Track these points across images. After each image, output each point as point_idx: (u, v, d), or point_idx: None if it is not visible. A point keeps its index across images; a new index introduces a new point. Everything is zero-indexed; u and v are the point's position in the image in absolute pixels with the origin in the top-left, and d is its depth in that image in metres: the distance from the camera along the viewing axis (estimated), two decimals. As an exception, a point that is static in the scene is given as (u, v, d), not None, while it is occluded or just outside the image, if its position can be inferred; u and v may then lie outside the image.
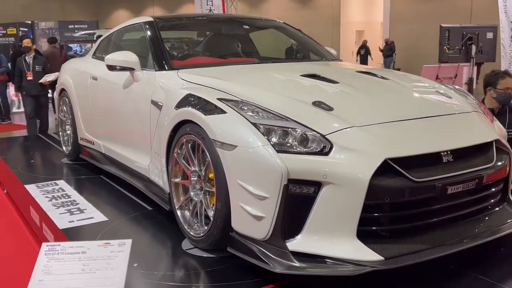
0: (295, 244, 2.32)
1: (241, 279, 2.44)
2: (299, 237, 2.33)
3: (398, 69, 13.80)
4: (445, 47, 7.07)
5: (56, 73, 7.56)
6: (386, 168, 2.30)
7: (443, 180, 2.39)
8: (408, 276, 2.46)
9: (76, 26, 19.72)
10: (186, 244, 2.87)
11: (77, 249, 1.68)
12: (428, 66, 8.37)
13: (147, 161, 3.43)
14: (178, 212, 2.99)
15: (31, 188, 4.09)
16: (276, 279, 2.37)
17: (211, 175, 2.70)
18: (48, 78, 7.48)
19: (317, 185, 2.30)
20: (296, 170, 2.29)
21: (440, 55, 7.20)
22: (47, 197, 3.86)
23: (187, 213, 2.97)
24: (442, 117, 2.79)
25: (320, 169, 2.29)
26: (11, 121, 10.88)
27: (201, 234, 2.74)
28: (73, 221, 3.31)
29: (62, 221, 3.31)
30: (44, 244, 1.69)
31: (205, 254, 2.73)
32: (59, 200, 3.77)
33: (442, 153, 2.46)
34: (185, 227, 2.90)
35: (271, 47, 5.26)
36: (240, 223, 2.47)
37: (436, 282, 2.46)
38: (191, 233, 2.83)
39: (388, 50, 18.63)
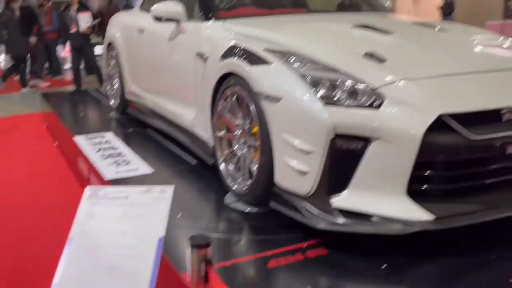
0: (339, 200, 2.26)
1: (283, 233, 2.42)
2: (344, 193, 2.26)
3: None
4: (510, 1, 6.61)
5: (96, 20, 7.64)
6: (440, 125, 2.17)
7: (502, 139, 2.24)
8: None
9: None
10: (229, 198, 2.87)
11: (119, 194, 1.69)
12: (492, 23, 7.88)
13: (192, 115, 3.42)
14: (222, 166, 2.98)
15: (80, 140, 4.19)
16: (318, 236, 2.33)
17: (255, 129, 2.65)
18: (86, 25, 7.59)
19: (366, 141, 2.20)
20: (344, 124, 2.20)
21: (505, 11, 6.75)
22: (94, 148, 3.94)
23: (230, 167, 2.95)
24: (505, 72, 2.59)
25: (369, 124, 2.18)
26: (63, 77, 11.15)
27: (244, 188, 2.72)
28: (119, 172, 3.37)
29: (109, 172, 3.39)
30: (87, 188, 1.70)
31: (247, 209, 2.73)
32: (106, 152, 3.85)
33: (502, 110, 2.29)
34: (228, 181, 2.89)
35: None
36: (283, 178, 2.42)
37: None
38: (234, 187, 2.82)
39: (447, 8, 17.64)
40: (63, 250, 1.55)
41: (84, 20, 7.66)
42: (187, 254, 1.28)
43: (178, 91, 3.72)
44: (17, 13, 8.85)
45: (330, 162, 2.22)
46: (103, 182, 3.33)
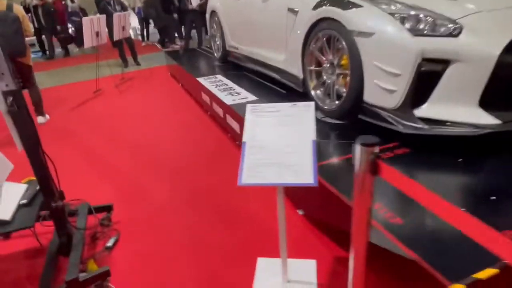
0: (420, 111, 1.91)
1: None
2: (424, 106, 1.90)
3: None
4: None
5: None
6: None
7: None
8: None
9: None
10: (318, 115, 2.57)
11: (272, 109, 1.43)
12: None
13: (282, 57, 3.05)
14: (312, 92, 2.65)
15: (201, 80, 3.94)
16: (399, 140, 2.01)
17: (344, 61, 2.27)
18: (196, 2, 7.08)
19: (446, 63, 1.80)
20: (429, 50, 1.80)
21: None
22: (212, 85, 3.69)
23: (319, 92, 2.63)
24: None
25: (450, 49, 1.77)
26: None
27: (334, 107, 2.41)
28: (235, 100, 3.12)
29: (228, 99, 3.14)
30: (248, 106, 1.45)
31: (333, 121, 2.43)
32: (221, 87, 3.59)
33: None
34: (319, 102, 2.57)
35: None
36: (372, 96, 2.08)
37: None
38: (324, 107, 2.51)
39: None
40: (241, 152, 1.33)
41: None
42: (357, 152, 1.00)
43: (270, 40, 3.32)
44: None
45: (415, 82, 1.85)
46: (225, 106, 3.11)
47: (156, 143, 3.34)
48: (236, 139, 3.09)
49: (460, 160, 1.83)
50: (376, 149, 1.01)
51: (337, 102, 2.40)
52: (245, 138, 1.36)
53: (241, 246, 1.92)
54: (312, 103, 1.41)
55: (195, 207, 2.30)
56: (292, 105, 1.42)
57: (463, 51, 1.76)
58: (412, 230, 1.32)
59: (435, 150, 1.93)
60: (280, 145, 1.31)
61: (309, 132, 1.31)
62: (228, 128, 3.23)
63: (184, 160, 2.93)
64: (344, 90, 2.30)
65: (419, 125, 1.89)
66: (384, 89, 1.97)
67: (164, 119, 3.96)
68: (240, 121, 2.81)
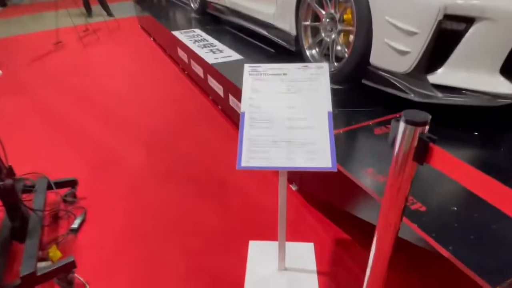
0: (435, 77, 1.68)
1: (373, 106, 1.90)
2: (440, 70, 1.67)
3: None
4: None
5: None
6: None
7: None
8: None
9: None
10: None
11: (277, 70, 1.14)
12: None
13: (272, 9, 2.68)
14: (307, 52, 2.35)
15: (177, 34, 3.50)
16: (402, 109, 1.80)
17: (347, 16, 1.98)
18: None
19: (470, 21, 1.55)
20: (454, 6, 1.53)
21: None
22: (190, 40, 3.28)
23: (314, 52, 2.33)
24: None
25: (476, 5, 1.51)
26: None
27: (332, 69, 2.13)
28: (217, 58, 2.76)
29: (209, 58, 2.78)
30: (246, 65, 1.15)
31: (334, 86, 2.17)
32: (200, 43, 3.19)
33: None
34: (314, 63, 2.29)
35: None
36: (380, 58, 1.82)
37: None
38: (321, 68, 2.23)
39: None
40: (240, 125, 1.05)
41: None
42: (400, 129, 0.75)
43: (258, -10, 2.92)
44: None
45: (432, 42, 1.61)
46: (206, 65, 2.75)
47: (127, 106, 2.97)
48: (218, 103, 2.78)
49: (475, 134, 1.65)
50: (426, 128, 0.77)
51: (336, 64, 2.12)
52: (243, 107, 1.08)
53: (229, 226, 1.70)
54: (325, 65, 1.14)
55: (175, 180, 2.04)
56: (302, 67, 1.14)
57: (491, 8, 1.51)
58: (438, 219, 1.13)
59: (448, 122, 1.73)
60: (289, 117, 1.04)
61: (324, 101, 1.04)
62: (209, 91, 2.89)
63: (161, 127, 2.61)
64: (346, 50, 2.03)
65: (433, 93, 1.68)
66: (395, 50, 1.72)
67: (136, 78, 3.55)
68: (225, 83, 2.49)
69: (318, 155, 0.97)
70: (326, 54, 2.25)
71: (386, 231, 0.92)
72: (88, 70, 3.83)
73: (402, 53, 1.69)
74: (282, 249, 1.41)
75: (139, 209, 1.83)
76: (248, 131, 1.01)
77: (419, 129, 0.77)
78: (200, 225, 1.72)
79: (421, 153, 0.77)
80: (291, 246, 1.55)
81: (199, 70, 2.97)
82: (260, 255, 1.53)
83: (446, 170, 0.72)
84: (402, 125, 0.78)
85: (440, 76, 1.68)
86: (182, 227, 1.71)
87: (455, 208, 1.19)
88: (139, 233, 1.68)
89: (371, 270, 1.02)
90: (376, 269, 1.01)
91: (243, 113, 1.06)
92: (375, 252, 0.99)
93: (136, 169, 2.14)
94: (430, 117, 0.77)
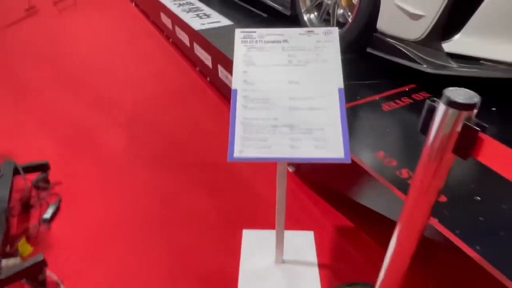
0: (451, 45, 1.49)
1: (380, 79, 1.71)
2: (456, 37, 1.48)
3: None
4: None
5: None
6: None
7: None
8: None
9: None
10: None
11: (276, 37, 0.95)
12: None
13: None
14: (304, 17, 2.12)
15: (159, -3, 3.18)
16: (415, 81, 1.62)
17: (351, -26, 1.74)
18: None
19: (495, -21, 1.34)
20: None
21: None
22: (174, 4, 2.97)
23: (312, 17, 2.10)
24: None
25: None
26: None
27: (333, 36, 1.92)
28: (203, 24, 2.50)
29: (195, 23, 2.51)
30: (237, 30, 0.94)
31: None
32: (185, 6, 2.89)
33: None
34: (312, 30, 2.06)
35: None
36: (389, 24, 1.61)
37: None
38: (320, 36, 2.01)
39: None
40: (231, 106, 0.85)
41: None
42: (439, 113, 0.57)
43: None
44: None
45: (450, 4, 1.40)
46: (191, 32, 2.49)
47: (107, 78, 2.71)
48: (206, 75, 2.55)
49: (493, 109, 1.49)
50: (474, 113, 0.60)
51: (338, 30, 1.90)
52: (235, 83, 0.87)
53: (220, 214, 1.55)
54: (335, 29, 0.94)
55: (159, 164, 1.85)
56: (307, 32, 0.93)
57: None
58: (461, 212, 0.99)
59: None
60: (291, 96, 0.85)
61: (335, 75, 0.85)
62: (196, 61, 2.65)
63: (143, 102, 2.39)
64: (349, 14, 1.80)
65: (448, 63, 1.49)
66: (407, 13, 1.50)
67: (116, 48, 3.25)
68: (213, 52, 2.25)
69: (328, 142, 0.79)
70: (326, 19, 2.02)
71: (410, 231, 0.77)
72: (63, 39, 3.50)
73: (415, 16, 1.49)
74: (280, 239, 1.26)
75: (120, 197, 1.65)
76: (242, 113, 0.82)
77: (464, 114, 0.59)
78: (188, 213, 1.56)
79: (466, 145, 0.59)
80: (289, 235, 1.41)
81: (184, 38, 2.70)
82: (255, 246, 1.39)
83: (501, 169, 0.56)
84: (441, 107, 0.60)
85: (456, 44, 1.48)
86: (168, 216, 1.54)
87: (479, 198, 1.04)
88: (119, 223, 1.52)
89: (388, 269, 0.88)
90: (394, 269, 0.86)
91: (235, 91, 0.86)
92: (395, 250, 0.84)
93: (116, 152, 1.95)
94: (479, 98, 0.59)
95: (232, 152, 0.79)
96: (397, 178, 1.09)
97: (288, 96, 0.84)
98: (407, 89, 1.61)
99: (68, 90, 2.55)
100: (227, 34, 2.31)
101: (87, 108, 2.34)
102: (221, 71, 2.20)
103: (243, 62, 0.88)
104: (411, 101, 1.52)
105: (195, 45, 2.53)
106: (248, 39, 0.92)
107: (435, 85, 1.61)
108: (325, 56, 0.88)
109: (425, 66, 1.52)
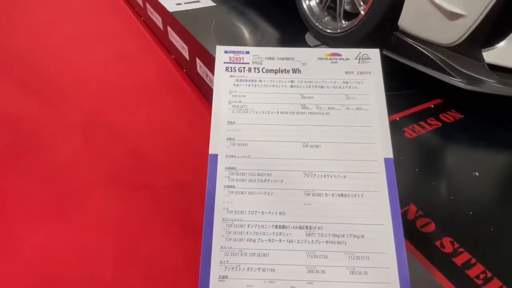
0: (492, 54, 1.19)
1: (392, 87, 1.40)
2: (501, 45, 1.18)
3: None
4: None
5: None
6: None
7: None
8: None
9: None
10: (312, 40, 1.74)
11: (282, 63, 0.60)
12: None
13: None
14: (303, 4, 1.76)
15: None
16: (440, 93, 1.32)
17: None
18: None
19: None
20: None
21: None
22: (146, -24, 2.52)
23: (313, 4, 1.74)
24: None
25: None
26: None
27: (339, 31, 1.58)
28: (180, 4, 2.09)
29: (169, 3, 2.10)
30: (219, 49, 0.59)
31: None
32: (159, -20, 2.45)
33: None
34: (313, 20, 1.71)
35: None
36: (416, 21, 1.29)
37: None
38: (322, 28, 1.67)
39: None
40: (207, 182, 0.50)
41: None
42: None
43: None
44: None
45: (501, 3, 1.09)
46: (165, 13, 2.08)
47: (58, 63, 2.27)
48: (182, 66, 2.16)
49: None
50: None
51: (345, 23, 1.56)
52: (215, 144, 0.49)
53: (197, 264, 1.23)
54: (375, 52, 0.61)
55: (118, 183, 1.50)
56: (329, 56, 0.58)
57: None
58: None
59: (490, 117, 1.28)
60: (306, 171, 0.49)
61: (378, 133, 0.52)
62: (171, 48, 2.25)
63: (103, 97, 1.99)
64: (362, 4, 1.46)
65: (486, 77, 1.20)
66: (443, 11, 1.18)
67: (71, 24, 2.78)
68: (190, 42, 1.87)
69: (372, 261, 0.45)
70: (330, 7, 1.67)
71: None
72: (10, 13, 2.98)
73: (453, 16, 1.17)
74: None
75: (66, 223, 1.30)
76: (224, 202, 0.46)
77: None
78: (151, 267, 1.23)
79: None
80: None
81: (157, 20, 2.28)
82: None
83: None
84: None
85: (499, 53, 1.18)
86: (125, 273, 1.21)
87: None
88: (60, 257, 1.17)
89: None
90: None
91: (214, 157, 0.50)
92: None
93: (65, 163, 1.57)
94: None
95: (207, 281, 0.44)
96: (438, 253, 0.73)
97: (303, 172, 0.49)
98: (432, 105, 1.31)
99: (7, 78, 2.10)
100: (208, 19, 1.92)
101: (28, 102, 1.92)
102: (200, 66, 1.83)
103: (228, 106, 0.51)
104: (439, 124, 1.22)
105: (169, 29, 2.13)
106: (237, 65, 0.54)
107: (466, 100, 1.32)
108: (360, 99, 0.54)
109: (457, 79, 1.22)
